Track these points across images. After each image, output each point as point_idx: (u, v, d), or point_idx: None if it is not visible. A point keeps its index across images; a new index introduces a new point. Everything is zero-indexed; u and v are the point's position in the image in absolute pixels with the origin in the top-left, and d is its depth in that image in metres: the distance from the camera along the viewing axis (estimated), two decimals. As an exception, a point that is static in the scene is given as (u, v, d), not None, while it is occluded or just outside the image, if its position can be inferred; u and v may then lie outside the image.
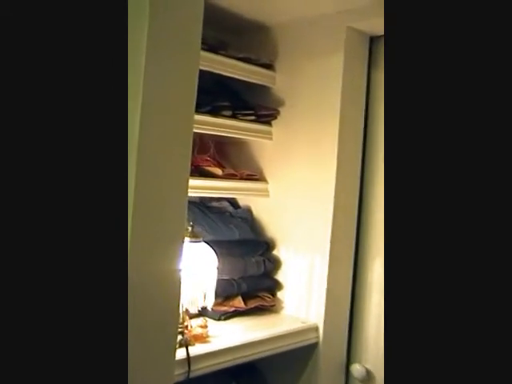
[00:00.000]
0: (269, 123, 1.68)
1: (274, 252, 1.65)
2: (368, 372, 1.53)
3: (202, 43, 1.46)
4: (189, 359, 1.13)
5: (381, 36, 1.58)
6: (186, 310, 1.23)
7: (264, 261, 1.57)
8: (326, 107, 1.53)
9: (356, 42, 1.53)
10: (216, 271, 1.29)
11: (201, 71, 1.47)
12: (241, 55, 1.58)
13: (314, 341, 1.50)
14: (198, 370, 1.16)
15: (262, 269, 1.56)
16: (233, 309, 1.48)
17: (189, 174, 1.09)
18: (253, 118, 1.60)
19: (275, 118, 1.67)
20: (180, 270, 1.07)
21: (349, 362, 1.58)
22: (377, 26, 1.50)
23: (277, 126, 1.68)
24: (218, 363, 1.22)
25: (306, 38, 1.60)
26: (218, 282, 1.45)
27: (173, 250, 1.06)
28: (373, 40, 1.60)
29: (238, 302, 1.50)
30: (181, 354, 1.14)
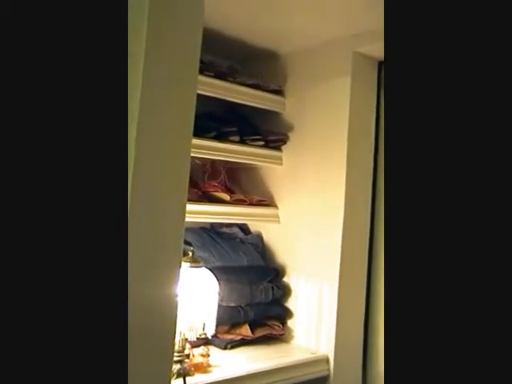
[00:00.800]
0: (279, 148, 1.67)
1: (285, 279, 1.62)
2: (383, 408, 1.45)
3: (212, 70, 1.50)
4: (186, 389, 1.10)
5: (390, 60, 1.56)
6: (186, 338, 1.20)
7: (272, 288, 1.54)
8: (333, 132, 1.52)
9: (363, 67, 1.52)
10: (217, 297, 1.26)
11: (211, 98, 1.50)
12: (250, 82, 1.59)
13: (324, 373, 1.44)
14: (196, 400, 1.13)
15: (270, 296, 1.53)
16: (239, 337, 1.45)
17: (186, 199, 1.09)
18: (261, 143, 1.60)
19: (285, 143, 1.66)
20: (176, 296, 1.05)
21: (364, 397, 1.51)
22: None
23: (287, 151, 1.67)
24: (219, 395, 1.18)
25: (314, 64, 1.60)
26: (225, 309, 1.43)
27: (169, 275, 1.04)
28: (381, 65, 1.58)
29: (245, 331, 1.46)
30: None
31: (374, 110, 1.56)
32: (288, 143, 1.67)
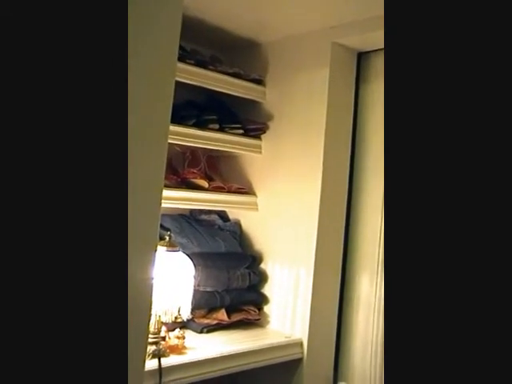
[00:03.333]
0: (258, 137, 1.69)
1: (262, 265, 1.65)
2: (353, 390, 1.50)
3: (193, 58, 1.51)
4: (160, 370, 1.13)
5: (369, 52, 1.59)
6: (163, 321, 1.23)
7: (249, 274, 1.57)
8: (312, 121, 1.54)
9: (342, 58, 1.55)
10: (193, 281, 1.29)
11: (192, 86, 1.51)
12: (231, 71, 1.61)
13: (298, 356, 1.48)
14: (171, 381, 1.16)
15: (247, 282, 1.56)
16: (216, 322, 1.48)
17: (162, 183, 1.10)
18: (241, 131, 1.62)
19: (264, 132, 1.68)
20: (152, 279, 1.07)
21: (336, 380, 1.55)
22: (364, 41, 1.52)
23: (266, 140, 1.70)
24: (193, 375, 1.21)
25: (295, 54, 1.62)
26: (202, 294, 1.46)
27: (144, 258, 1.07)
28: (361, 56, 1.61)
29: (222, 315, 1.49)
30: (153, 364, 1.14)
31: (353, 100, 1.59)
32: (267, 132, 1.69)
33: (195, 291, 1.36)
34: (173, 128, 1.31)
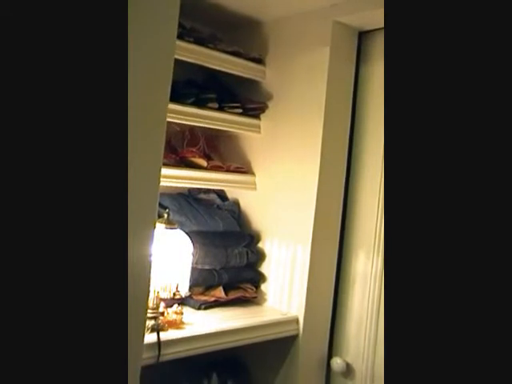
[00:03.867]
0: (257, 117, 1.69)
1: (259, 244, 1.67)
2: (348, 365, 1.53)
3: (192, 36, 1.50)
4: (159, 343, 1.16)
5: (370, 31, 1.58)
6: (161, 297, 1.25)
7: (247, 252, 1.59)
8: (311, 101, 1.54)
9: (343, 37, 1.54)
10: (191, 258, 1.31)
11: (191, 64, 1.51)
12: (231, 49, 1.60)
13: (294, 333, 1.51)
14: (169, 354, 1.19)
15: (245, 260, 1.58)
16: (213, 299, 1.50)
17: (161, 161, 1.11)
18: (240, 110, 1.62)
19: (263, 111, 1.68)
20: (150, 255, 1.09)
21: (330, 355, 1.59)
22: (365, 20, 1.50)
23: (265, 120, 1.70)
24: (190, 349, 1.24)
25: (295, 33, 1.61)
26: (199, 271, 1.48)
27: (143, 235, 1.08)
28: (362, 35, 1.60)
29: (219, 293, 1.52)
30: (152, 338, 1.17)
31: (353, 80, 1.59)
32: (267, 112, 1.69)
33: (193, 269, 1.38)
34: (172, 106, 1.32)
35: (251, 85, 1.71)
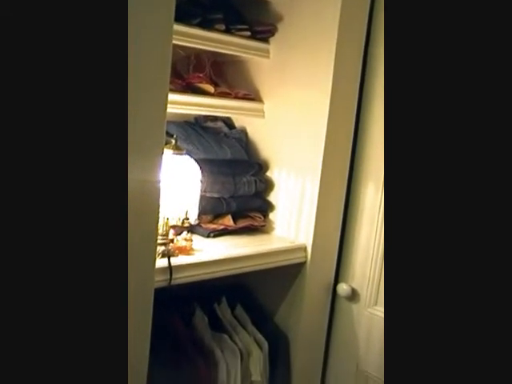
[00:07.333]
0: (266, 40, 1.61)
1: (268, 173, 1.65)
2: (353, 290, 1.57)
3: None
4: (170, 268, 1.18)
5: None
6: (171, 225, 1.25)
7: (255, 181, 1.58)
8: (324, 26, 1.45)
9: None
10: (199, 185, 1.30)
11: (196, -18, 1.41)
12: (238, -35, 1.49)
13: (301, 260, 1.53)
14: (180, 278, 1.21)
15: (253, 189, 1.57)
16: (222, 227, 1.51)
17: (168, 85, 1.07)
18: (248, 33, 1.53)
19: (273, 34, 1.60)
20: (159, 181, 1.08)
21: (336, 281, 1.62)
22: None
23: (275, 44, 1.62)
24: (201, 274, 1.26)
25: None
26: (208, 200, 1.48)
27: (151, 161, 1.06)
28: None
29: (228, 221, 1.53)
30: (163, 263, 1.18)
31: (368, 7, 1.49)
32: (276, 35, 1.60)
33: (202, 197, 1.37)
34: (177, 27, 1.24)
35: (260, 5, 1.61)
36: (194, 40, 1.41)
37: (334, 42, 1.43)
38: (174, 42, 1.21)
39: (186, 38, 1.38)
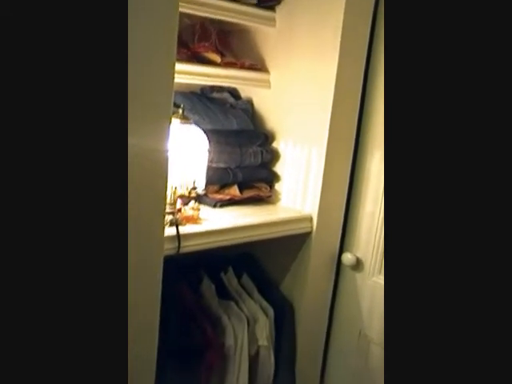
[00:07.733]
0: (272, 8, 1.59)
1: (274, 144, 1.65)
2: (358, 260, 1.59)
3: None
4: (178, 236, 1.20)
5: None
6: (178, 194, 1.27)
7: (262, 152, 1.58)
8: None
9: None
10: (207, 154, 1.31)
11: None
12: None
13: (307, 230, 1.55)
14: (188, 246, 1.23)
15: (259, 159, 1.58)
16: (228, 197, 1.53)
17: (175, 56, 1.06)
18: (254, 1, 1.51)
19: (279, 2, 1.57)
20: (167, 151, 1.09)
21: (341, 251, 1.65)
22: None
23: (281, 12, 1.59)
24: (208, 242, 1.28)
25: None
26: (214, 170, 1.49)
27: (159, 130, 1.07)
28: None
29: (234, 191, 1.54)
30: (172, 231, 1.20)
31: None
32: (282, 3, 1.58)
33: (208, 167, 1.38)
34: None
35: (265, -28, 1.58)
36: (199, 7, 1.39)
37: (342, 10, 1.41)
38: (180, 9, 1.20)
39: (192, 6, 1.36)
